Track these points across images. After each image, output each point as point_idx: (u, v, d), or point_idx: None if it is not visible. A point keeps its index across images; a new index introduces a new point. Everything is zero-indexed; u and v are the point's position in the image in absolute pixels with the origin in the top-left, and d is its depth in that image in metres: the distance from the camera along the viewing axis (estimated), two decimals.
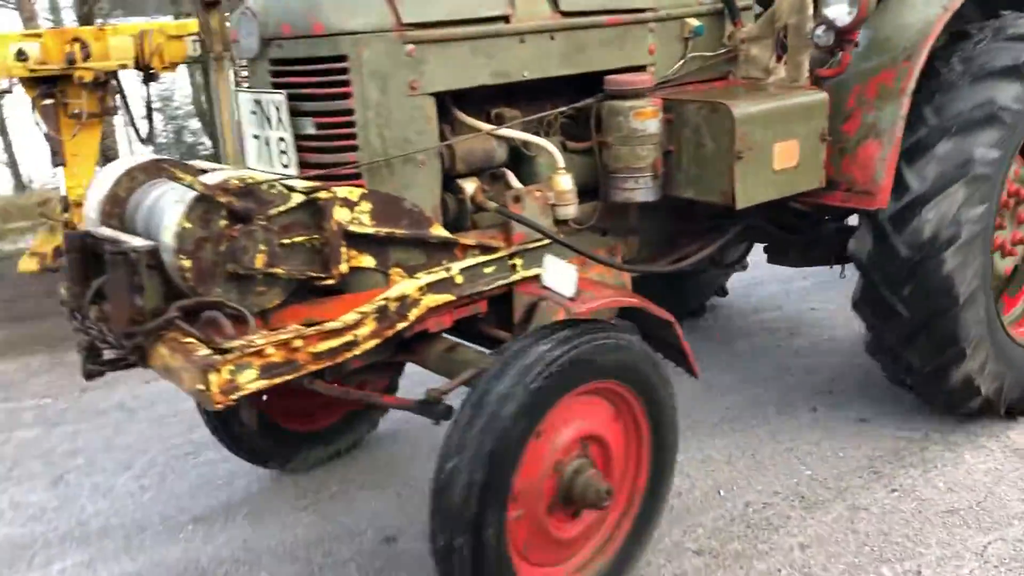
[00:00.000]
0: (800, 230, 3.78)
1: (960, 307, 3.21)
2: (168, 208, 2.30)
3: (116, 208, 2.62)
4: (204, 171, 2.48)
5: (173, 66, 6.19)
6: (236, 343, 2.17)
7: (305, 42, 2.46)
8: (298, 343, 2.25)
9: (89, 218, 2.66)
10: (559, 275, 2.59)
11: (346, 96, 2.47)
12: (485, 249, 2.70)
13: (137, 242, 2.34)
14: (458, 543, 2.20)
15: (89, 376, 2.64)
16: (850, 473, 3.36)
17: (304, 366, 2.29)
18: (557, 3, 2.87)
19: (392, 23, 2.51)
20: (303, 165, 2.54)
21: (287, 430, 3.53)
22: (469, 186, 2.76)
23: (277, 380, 2.24)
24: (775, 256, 4.07)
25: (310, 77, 2.48)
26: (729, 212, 3.04)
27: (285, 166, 2.57)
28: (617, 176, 2.96)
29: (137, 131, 6.67)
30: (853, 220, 3.52)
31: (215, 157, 8.71)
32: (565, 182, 2.83)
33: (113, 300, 2.31)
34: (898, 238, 3.19)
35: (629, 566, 2.71)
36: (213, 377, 2.09)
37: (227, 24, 4.27)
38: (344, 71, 2.45)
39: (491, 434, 2.20)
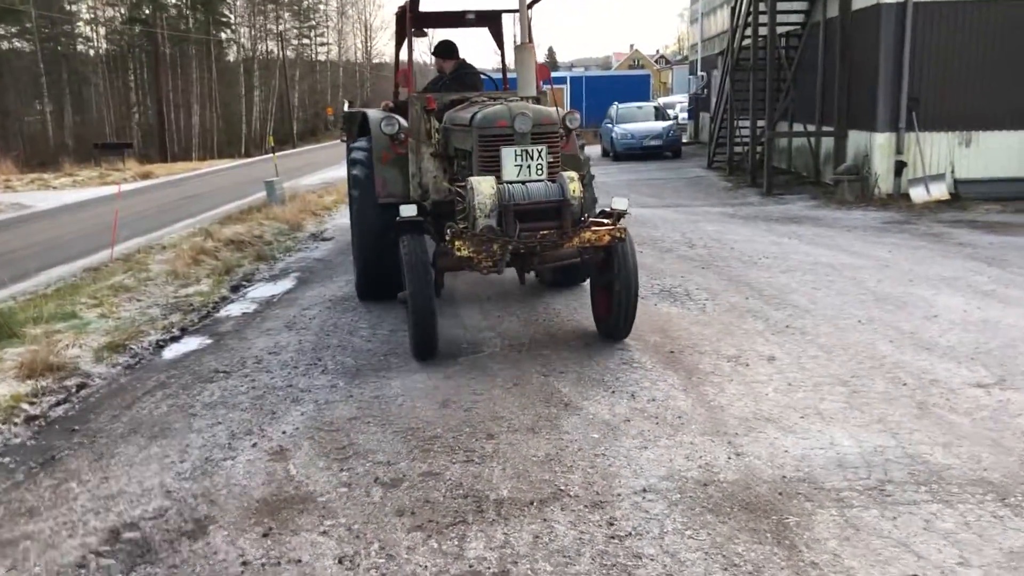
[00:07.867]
0: None
1: None
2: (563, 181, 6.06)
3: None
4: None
5: None
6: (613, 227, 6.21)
7: (551, 126, 6.36)
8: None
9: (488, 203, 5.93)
10: None
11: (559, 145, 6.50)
12: None
13: (552, 199, 6.01)
14: None
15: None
16: None
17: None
18: None
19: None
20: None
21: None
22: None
23: None
24: None
25: (552, 140, 6.38)
26: None
27: (539, 174, 6.35)
28: None
29: None
30: None
31: None
32: None
33: (561, 222, 5.97)
34: None
35: None
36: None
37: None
38: (558, 136, 6.46)
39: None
